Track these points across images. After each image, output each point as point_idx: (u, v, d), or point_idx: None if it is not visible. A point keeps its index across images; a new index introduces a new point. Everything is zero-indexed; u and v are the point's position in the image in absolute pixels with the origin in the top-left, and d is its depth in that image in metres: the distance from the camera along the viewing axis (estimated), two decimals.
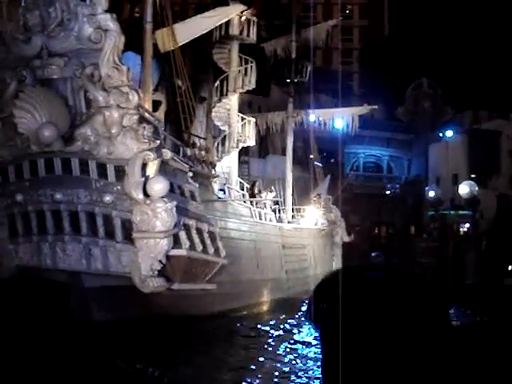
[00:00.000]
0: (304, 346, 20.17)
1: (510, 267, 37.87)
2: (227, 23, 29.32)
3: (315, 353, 18.17)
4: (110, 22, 19.59)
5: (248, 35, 30.27)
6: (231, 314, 24.77)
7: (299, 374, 16.84)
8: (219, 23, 28.19)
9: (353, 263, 38.18)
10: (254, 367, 17.44)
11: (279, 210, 34.42)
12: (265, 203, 32.12)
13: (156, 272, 19.59)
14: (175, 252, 20.17)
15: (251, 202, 30.00)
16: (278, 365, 17.79)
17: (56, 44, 19.63)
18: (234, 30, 29.94)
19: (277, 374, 16.84)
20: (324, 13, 65.09)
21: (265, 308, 28.55)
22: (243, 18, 29.94)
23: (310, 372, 16.63)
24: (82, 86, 19.77)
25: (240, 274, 26.11)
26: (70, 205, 20.17)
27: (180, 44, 25.01)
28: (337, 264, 39.79)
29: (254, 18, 30.56)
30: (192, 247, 21.07)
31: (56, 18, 19.48)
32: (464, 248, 42.96)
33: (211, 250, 22.34)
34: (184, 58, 25.29)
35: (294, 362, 18.28)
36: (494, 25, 60.55)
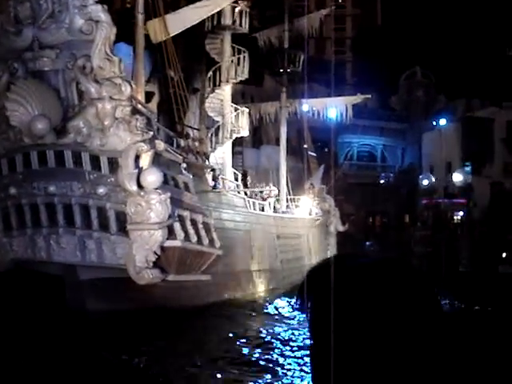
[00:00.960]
0: (296, 333, 20.20)
1: (504, 254, 38.05)
2: (219, 13, 29.18)
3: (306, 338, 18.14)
4: (101, 13, 19.52)
5: (240, 25, 30.16)
6: (226, 305, 24.78)
7: (292, 361, 16.88)
8: (211, 13, 28.07)
9: (347, 252, 38.17)
10: (250, 362, 17.26)
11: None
12: (267, 196, 32.19)
13: (151, 263, 19.61)
14: (170, 243, 20.18)
15: (246, 192, 30.02)
16: (274, 356, 17.79)
17: (47, 36, 19.55)
18: (227, 20, 29.81)
19: (271, 365, 16.80)
20: (316, 2, 64.86)
21: (260, 298, 28.58)
22: (236, 9, 29.83)
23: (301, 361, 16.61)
24: (73, 77, 19.69)
25: (235, 265, 26.14)
26: (64, 197, 20.13)
27: (172, 35, 24.92)
28: (331, 253, 39.81)
29: (247, 8, 30.45)
30: (187, 238, 21.07)
31: (47, 10, 19.40)
32: (458, 236, 43.13)
33: (206, 240, 22.35)
34: (176, 49, 25.21)
35: (287, 348, 18.33)
36: (487, 13, 60.52)
